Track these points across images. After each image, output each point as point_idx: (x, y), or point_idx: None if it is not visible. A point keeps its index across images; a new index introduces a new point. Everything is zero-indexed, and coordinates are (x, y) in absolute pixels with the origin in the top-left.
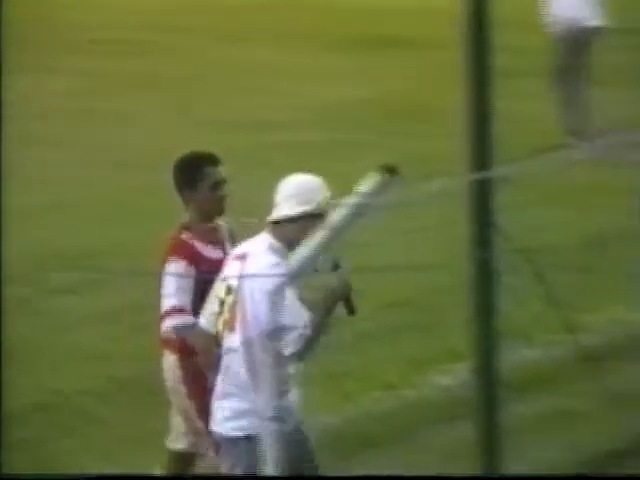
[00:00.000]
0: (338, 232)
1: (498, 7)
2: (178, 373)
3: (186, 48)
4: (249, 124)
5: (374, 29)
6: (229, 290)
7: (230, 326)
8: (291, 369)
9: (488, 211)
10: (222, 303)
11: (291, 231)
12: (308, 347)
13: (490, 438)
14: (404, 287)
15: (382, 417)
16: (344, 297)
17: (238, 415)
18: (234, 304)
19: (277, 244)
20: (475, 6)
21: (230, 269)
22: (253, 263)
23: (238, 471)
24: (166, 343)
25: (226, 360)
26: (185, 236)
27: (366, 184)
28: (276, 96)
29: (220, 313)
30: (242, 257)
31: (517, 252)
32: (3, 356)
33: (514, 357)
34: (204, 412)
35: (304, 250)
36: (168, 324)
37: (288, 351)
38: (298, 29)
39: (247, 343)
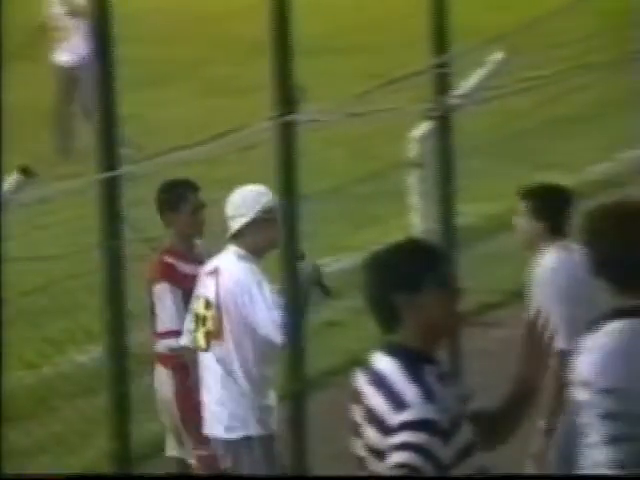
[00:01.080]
0: None
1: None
2: (171, 387)
3: None
4: None
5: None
6: (208, 304)
7: (216, 336)
8: (270, 371)
9: (117, 206)
10: (203, 318)
11: (250, 239)
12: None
13: (122, 406)
14: (42, 275)
15: (23, 393)
16: (317, 281)
17: (235, 418)
18: (219, 315)
19: (244, 253)
20: (99, 22)
21: (205, 285)
22: (229, 275)
23: (240, 472)
24: (160, 358)
25: (216, 368)
26: (168, 259)
27: (5, 183)
28: None
29: (198, 328)
30: (214, 272)
31: (144, 241)
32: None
33: (142, 335)
34: (195, 423)
35: None
36: (164, 345)
37: (279, 340)
38: None
39: (239, 347)
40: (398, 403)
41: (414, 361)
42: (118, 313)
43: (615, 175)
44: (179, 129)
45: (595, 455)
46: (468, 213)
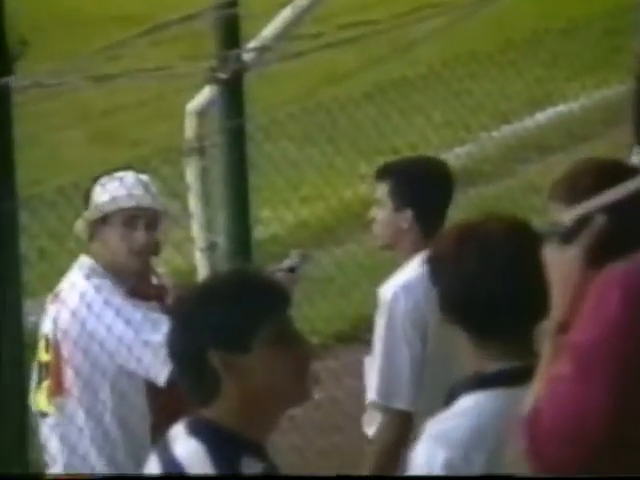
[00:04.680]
0: None
1: None
2: None
3: None
4: None
5: None
6: (48, 345)
7: (56, 391)
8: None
9: None
10: (46, 366)
11: (98, 246)
12: None
13: None
14: None
15: None
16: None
17: None
18: (57, 360)
19: (96, 266)
20: None
21: (45, 318)
22: (67, 300)
23: None
24: None
25: (58, 436)
26: None
27: None
28: None
29: (39, 384)
30: (55, 298)
31: None
32: None
33: None
34: None
35: None
36: None
37: (162, 375)
38: None
39: (88, 404)
40: None
41: (229, 448)
42: None
43: (477, 161)
44: None
45: None
46: (270, 220)
